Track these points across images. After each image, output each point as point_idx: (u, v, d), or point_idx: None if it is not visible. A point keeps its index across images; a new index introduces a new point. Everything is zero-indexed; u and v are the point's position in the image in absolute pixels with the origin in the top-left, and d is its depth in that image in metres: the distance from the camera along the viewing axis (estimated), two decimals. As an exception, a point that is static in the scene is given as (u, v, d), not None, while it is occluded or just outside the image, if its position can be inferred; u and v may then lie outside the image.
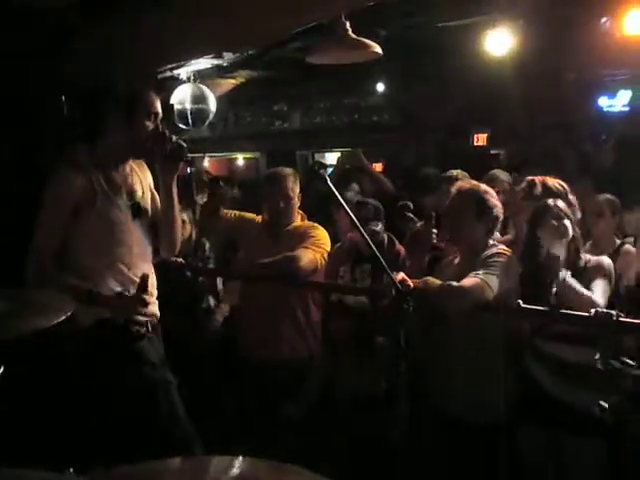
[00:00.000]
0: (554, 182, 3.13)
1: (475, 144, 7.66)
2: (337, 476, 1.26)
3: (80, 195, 2.46)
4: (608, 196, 3.95)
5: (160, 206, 2.70)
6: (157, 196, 2.73)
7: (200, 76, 5.69)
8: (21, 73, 3.39)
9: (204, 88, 5.79)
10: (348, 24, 3.49)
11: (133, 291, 2.49)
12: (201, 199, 4.32)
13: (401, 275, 2.52)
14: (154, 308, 2.63)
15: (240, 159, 11.51)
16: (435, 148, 7.46)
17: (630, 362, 2.35)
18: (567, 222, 2.73)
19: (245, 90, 6.99)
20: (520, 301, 2.61)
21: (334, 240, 3.59)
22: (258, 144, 9.79)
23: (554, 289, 2.68)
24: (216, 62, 5.06)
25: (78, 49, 3.53)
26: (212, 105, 5.86)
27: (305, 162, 9.25)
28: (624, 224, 4.13)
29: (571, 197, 3.01)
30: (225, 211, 3.60)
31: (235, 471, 1.26)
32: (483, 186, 2.95)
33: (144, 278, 2.44)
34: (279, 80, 6.86)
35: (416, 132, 7.66)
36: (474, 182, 3.07)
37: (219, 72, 5.81)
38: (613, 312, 2.43)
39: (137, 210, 2.61)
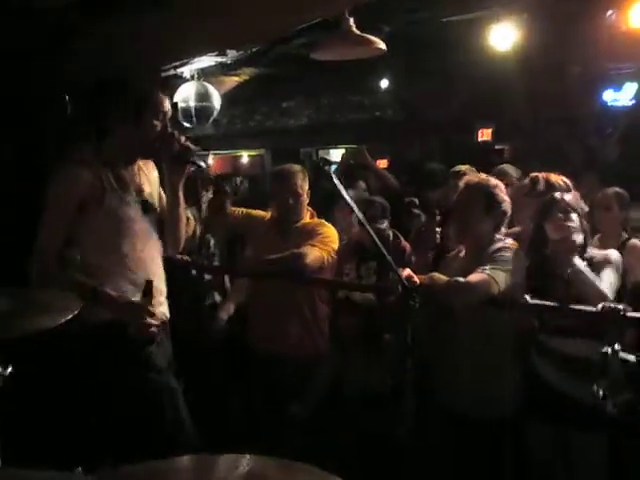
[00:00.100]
0: (557, 178, 3.10)
1: (480, 139, 7.64)
2: (344, 473, 1.25)
3: (87, 191, 2.44)
4: (617, 189, 3.81)
5: (166, 204, 2.70)
6: (163, 194, 2.73)
7: (204, 74, 5.70)
8: (21, 73, 3.39)
9: (208, 86, 5.80)
10: (352, 20, 3.49)
11: (141, 290, 2.46)
12: (206, 196, 4.31)
13: (407, 271, 2.50)
14: (163, 309, 2.63)
15: (245, 156, 11.51)
16: (439, 143, 7.45)
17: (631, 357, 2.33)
18: (575, 216, 2.72)
19: (249, 87, 7.00)
20: (527, 296, 2.60)
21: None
22: (262, 141, 9.79)
23: (566, 278, 2.65)
24: (220, 60, 5.07)
25: (78, 49, 3.53)
26: (216, 103, 5.87)
27: (309, 159, 9.24)
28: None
29: (575, 193, 2.99)
30: (232, 208, 3.59)
31: (243, 469, 1.24)
32: (492, 180, 2.89)
33: (149, 284, 2.40)
34: (283, 77, 6.85)
35: (420, 128, 7.64)
36: (483, 176, 3.02)
37: (223, 70, 5.82)
38: (620, 307, 2.42)
39: (146, 206, 2.61)
